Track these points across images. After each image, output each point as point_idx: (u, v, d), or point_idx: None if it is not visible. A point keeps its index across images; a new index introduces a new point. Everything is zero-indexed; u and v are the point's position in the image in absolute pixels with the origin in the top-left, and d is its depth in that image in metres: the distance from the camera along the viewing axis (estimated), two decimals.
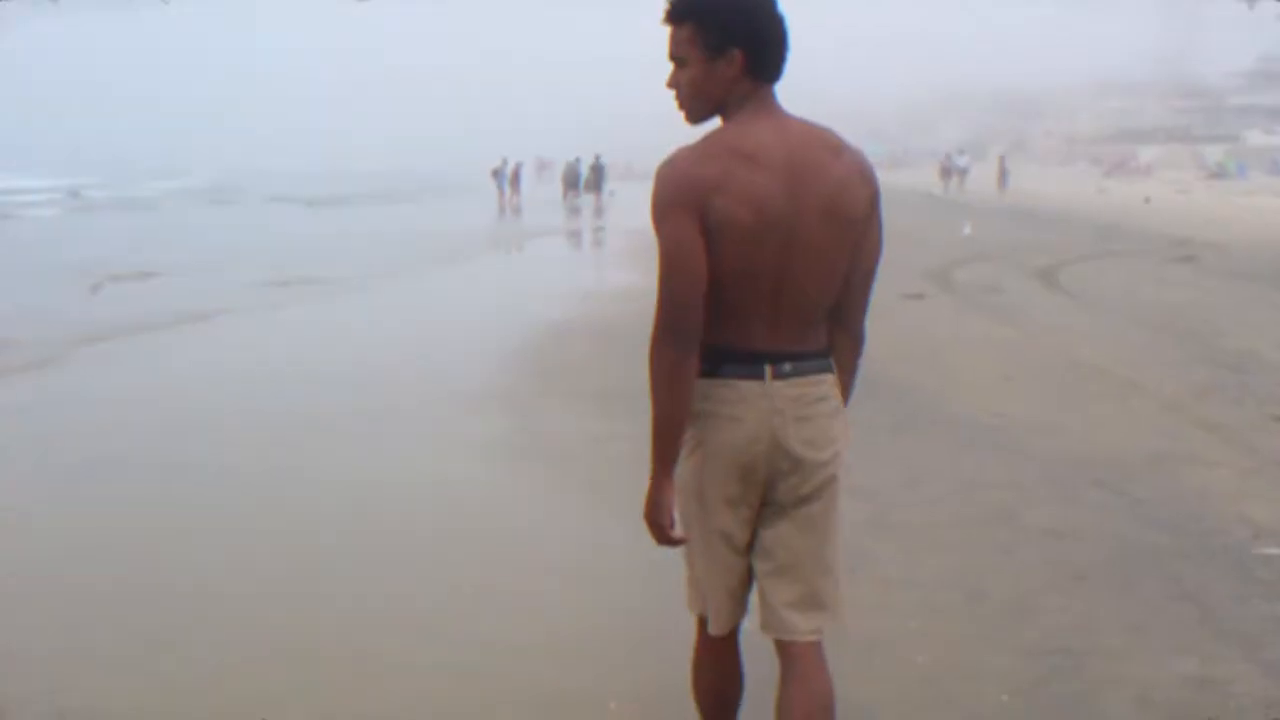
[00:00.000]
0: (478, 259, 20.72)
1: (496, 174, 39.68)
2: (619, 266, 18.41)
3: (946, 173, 46.42)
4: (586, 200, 39.09)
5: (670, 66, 2.62)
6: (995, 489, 5.89)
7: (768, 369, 2.59)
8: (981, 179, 47.88)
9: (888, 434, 6.95)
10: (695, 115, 2.62)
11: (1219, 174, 58.10)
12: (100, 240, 24.01)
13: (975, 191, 43.08)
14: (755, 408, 2.59)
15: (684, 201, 2.49)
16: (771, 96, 2.61)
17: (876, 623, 4.24)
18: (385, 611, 4.50)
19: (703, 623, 2.81)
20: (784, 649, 2.72)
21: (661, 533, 2.63)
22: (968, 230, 22.64)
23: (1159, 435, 6.95)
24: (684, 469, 2.65)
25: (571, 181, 40.41)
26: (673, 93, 2.64)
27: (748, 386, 2.59)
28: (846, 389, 2.80)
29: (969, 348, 10.13)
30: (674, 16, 2.58)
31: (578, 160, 41.55)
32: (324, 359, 10.13)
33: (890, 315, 11.90)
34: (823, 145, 2.59)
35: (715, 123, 2.63)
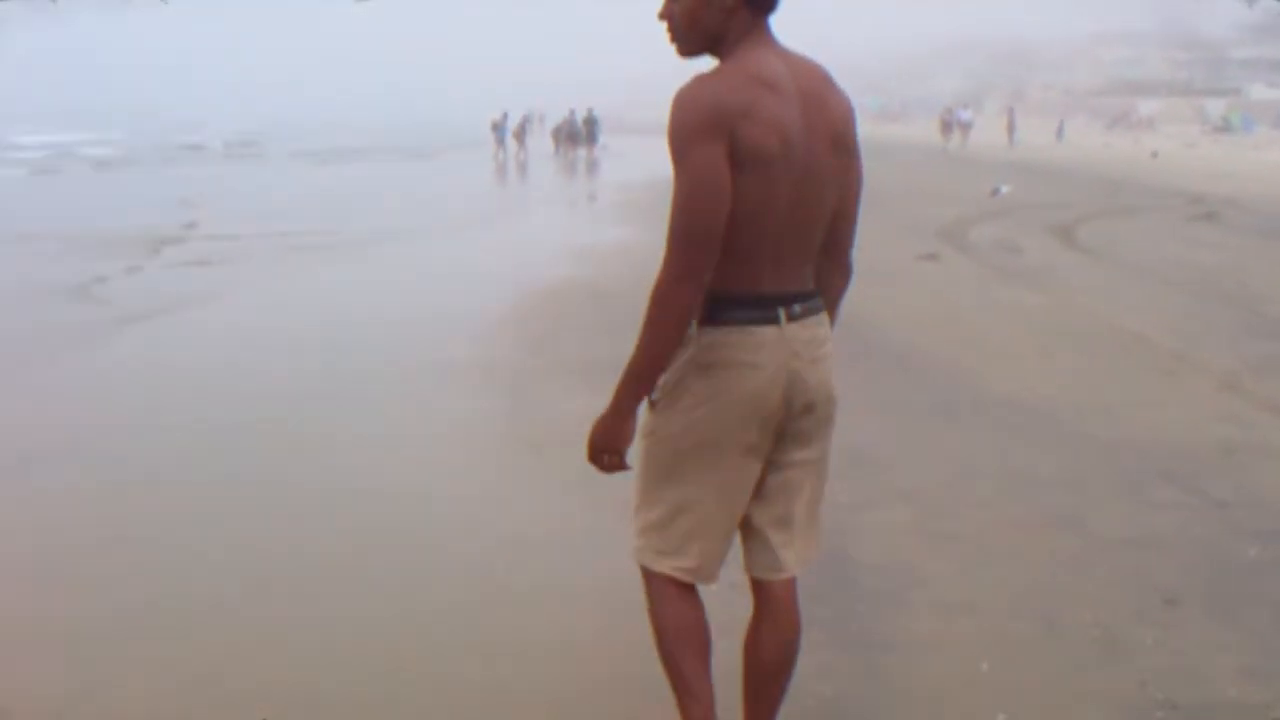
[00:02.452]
0: (474, 217, 19.73)
1: (497, 127, 39.18)
2: (613, 222, 17.63)
3: (947, 127, 45.36)
4: (580, 154, 38.85)
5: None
6: (1053, 487, 5.18)
7: (782, 312, 2.50)
8: (983, 133, 46.92)
9: (925, 419, 6.25)
10: (689, 48, 2.51)
11: (1224, 128, 57.15)
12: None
13: (980, 146, 42.09)
14: (774, 353, 2.50)
15: (713, 127, 2.34)
16: (769, 29, 2.50)
17: (941, 666, 3.57)
18: (368, 616, 3.88)
19: (670, 580, 2.65)
20: (764, 588, 2.71)
21: (616, 460, 2.57)
22: (1004, 190, 21.70)
23: (1224, 420, 6.23)
24: (689, 420, 2.53)
25: (570, 135, 40.17)
26: (664, 25, 2.51)
27: (764, 332, 2.49)
28: (832, 323, 2.72)
29: (997, 316, 9.39)
30: None
31: (572, 113, 41.20)
32: (300, 327, 9.37)
33: (906, 278, 11.22)
34: (820, 77, 2.53)
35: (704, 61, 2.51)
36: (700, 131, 2.35)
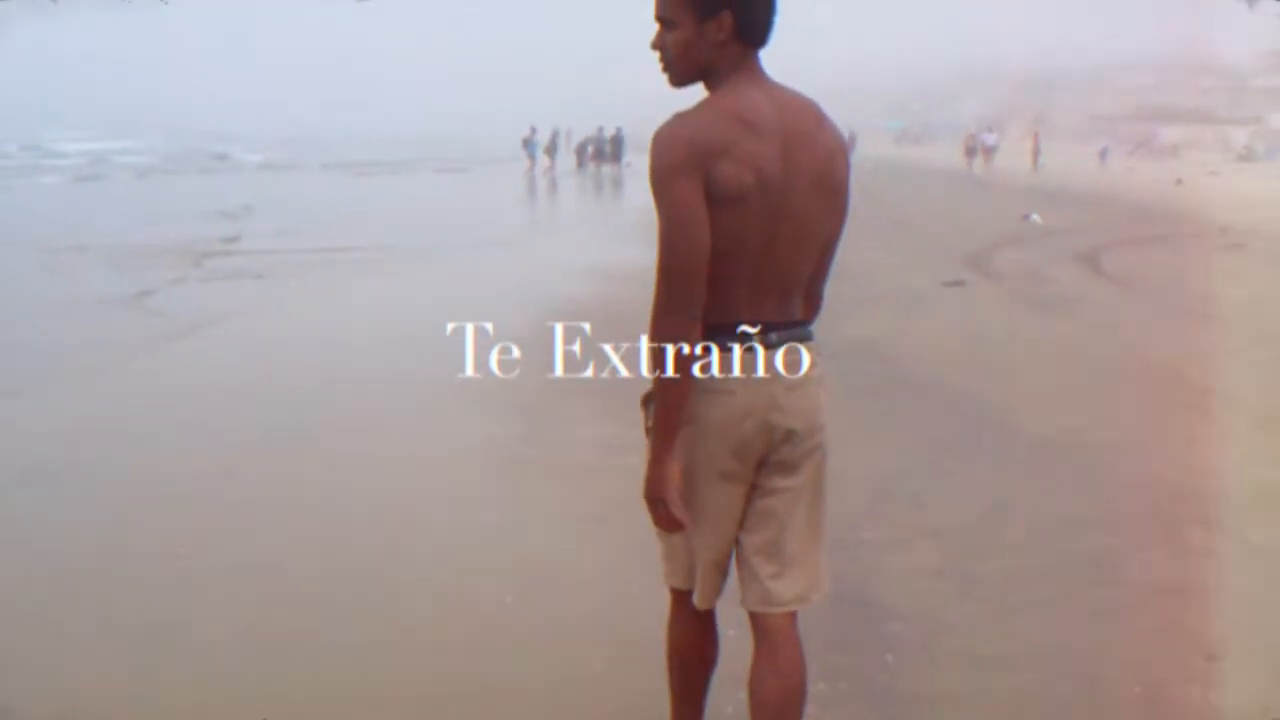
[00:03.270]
0: (504, 234, 19.50)
1: (527, 143, 39.36)
2: (636, 242, 17.49)
3: (971, 151, 45.11)
4: (606, 171, 39.17)
5: (656, 27, 2.53)
6: (1087, 528, 4.99)
7: (757, 341, 2.55)
8: (1007, 157, 46.61)
9: (952, 454, 6.06)
10: (681, 78, 2.57)
11: (1247, 156, 56.79)
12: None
13: (1003, 170, 41.82)
14: (746, 381, 2.54)
15: (690, 166, 2.41)
16: (759, 62, 2.56)
17: None
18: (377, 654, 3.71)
19: (680, 596, 2.79)
20: (760, 621, 2.68)
21: (666, 513, 2.54)
22: (1035, 217, 21.44)
23: (1262, 462, 6.02)
24: (681, 453, 2.55)
25: (596, 151, 40.48)
26: (657, 55, 2.56)
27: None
28: None
29: (1026, 346, 9.19)
30: None
31: (601, 130, 41.39)
32: (328, 344, 9.26)
33: (932, 306, 11.04)
34: (809, 115, 2.57)
35: (698, 88, 2.56)
36: (677, 169, 2.41)
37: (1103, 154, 50.40)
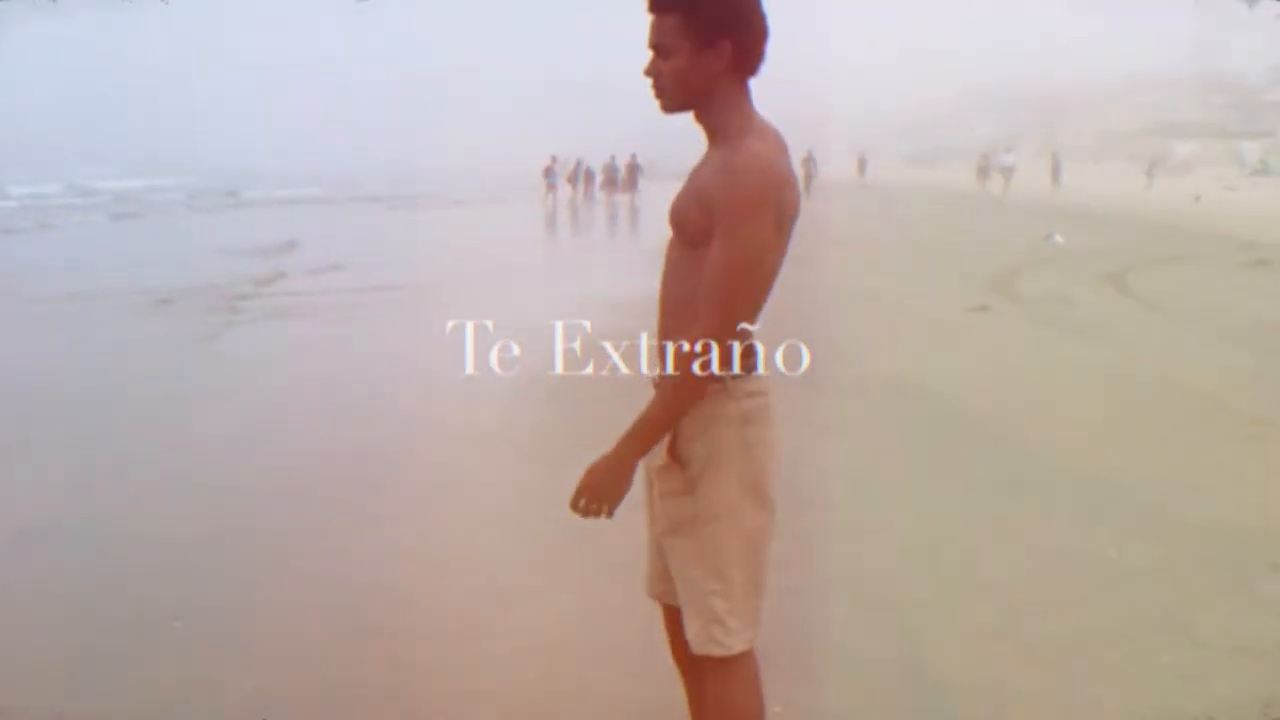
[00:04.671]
0: (528, 267, 19.20)
1: (548, 173, 39.48)
2: (654, 274, 17.20)
3: (984, 172, 44.78)
4: (623, 199, 39.39)
5: (651, 56, 2.51)
6: (1149, 580, 4.65)
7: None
8: (1023, 177, 46.23)
9: (996, 498, 5.73)
10: (675, 106, 2.54)
11: (1262, 171, 56.38)
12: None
13: (1021, 191, 41.43)
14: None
15: (773, 196, 2.44)
16: (749, 90, 2.56)
17: None
18: None
19: (750, 655, 2.62)
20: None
21: (611, 507, 2.55)
22: (1058, 238, 21.13)
23: None
24: (747, 472, 2.53)
25: (609, 180, 40.70)
26: (650, 81, 2.54)
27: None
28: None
29: (1059, 375, 8.86)
30: (660, 5, 2.48)
31: (614, 158, 41.49)
32: (359, 387, 8.93)
33: (957, 333, 10.73)
34: (784, 143, 2.59)
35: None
36: (765, 200, 2.42)
37: (1149, 171, 48.99)
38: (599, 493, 2.54)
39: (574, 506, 2.57)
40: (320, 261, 18.61)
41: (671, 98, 2.53)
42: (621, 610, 4.30)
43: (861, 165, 52.95)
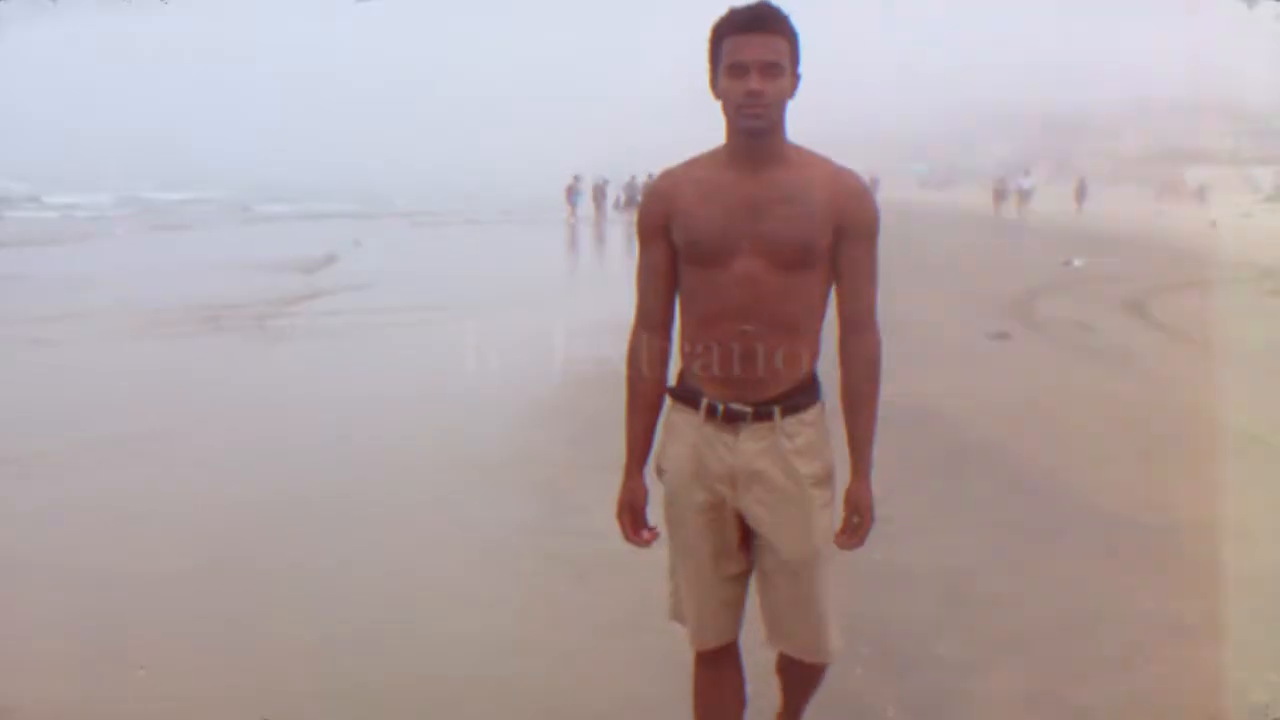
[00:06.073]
0: (546, 288, 18.81)
1: (571, 192, 39.61)
2: None
3: (1000, 195, 44.33)
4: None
5: (754, 73, 2.57)
6: (1199, 638, 4.28)
7: None
8: (1040, 200, 45.79)
9: (1025, 541, 5.38)
10: (770, 124, 2.61)
11: (1276, 197, 55.95)
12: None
13: (1039, 214, 40.96)
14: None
15: None
16: None
17: None
18: None
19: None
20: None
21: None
22: (1077, 263, 20.77)
23: None
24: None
25: (629, 200, 40.65)
26: (755, 100, 2.58)
27: None
28: None
29: (1085, 407, 8.47)
30: (775, 27, 2.59)
31: (633, 178, 41.50)
32: (374, 411, 8.63)
33: (977, 362, 10.40)
34: None
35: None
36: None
37: (1199, 194, 48.49)
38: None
39: (863, 538, 2.81)
40: (353, 279, 18.49)
41: (771, 117, 2.61)
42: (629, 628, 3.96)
43: (873, 185, 52.53)
